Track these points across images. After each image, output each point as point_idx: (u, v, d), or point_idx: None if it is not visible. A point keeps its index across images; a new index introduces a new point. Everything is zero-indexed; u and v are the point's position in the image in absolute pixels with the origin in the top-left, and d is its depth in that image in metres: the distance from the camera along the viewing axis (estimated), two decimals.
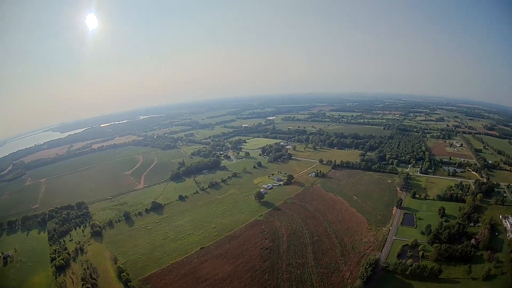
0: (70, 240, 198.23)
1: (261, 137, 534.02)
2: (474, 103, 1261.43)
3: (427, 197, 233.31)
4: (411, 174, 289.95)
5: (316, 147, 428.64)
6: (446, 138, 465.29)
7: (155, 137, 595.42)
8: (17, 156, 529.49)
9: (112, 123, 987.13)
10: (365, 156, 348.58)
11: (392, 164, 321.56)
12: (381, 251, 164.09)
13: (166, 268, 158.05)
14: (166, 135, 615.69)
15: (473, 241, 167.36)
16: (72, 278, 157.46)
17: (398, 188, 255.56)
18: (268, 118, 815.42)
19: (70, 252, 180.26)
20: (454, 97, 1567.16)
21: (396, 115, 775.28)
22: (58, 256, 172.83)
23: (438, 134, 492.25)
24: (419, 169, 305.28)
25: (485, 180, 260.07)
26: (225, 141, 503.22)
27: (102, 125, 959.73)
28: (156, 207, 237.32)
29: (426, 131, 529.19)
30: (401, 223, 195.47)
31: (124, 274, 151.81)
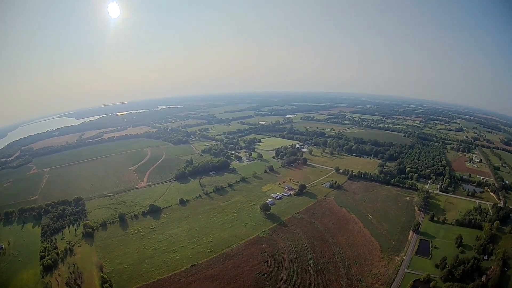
0: (61, 239, 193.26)
1: (277, 136, 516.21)
2: (490, 113, 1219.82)
3: (445, 221, 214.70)
4: (431, 191, 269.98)
5: (334, 152, 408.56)
6: (466, 151, 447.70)
7: (168, 129, 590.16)
8: (27, 141, 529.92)
9: (129, 112, 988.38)
10: (384, 167, 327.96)
11: (411, 178, 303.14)
12: (390, 287, 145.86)
13: (151, 284, 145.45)
14: (180, 128, 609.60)
15: (484, 278, 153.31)
16: (57, 280, 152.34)
17: (416, 208, 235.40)
18: (287, 116, 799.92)
19: (60, 252, 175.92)
20: (471, 106, 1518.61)
21: (416, 122, 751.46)
22: (47, 255, 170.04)
23: (458, 146, 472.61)
24: (439, 186, 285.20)
25: (502, 204, 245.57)
26: (239, 139, 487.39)
27: (118, 114, 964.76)
28: (154, 211, 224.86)
29: (446, 141, 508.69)
30: (415, 252, 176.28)
31: (107, 285, 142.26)
